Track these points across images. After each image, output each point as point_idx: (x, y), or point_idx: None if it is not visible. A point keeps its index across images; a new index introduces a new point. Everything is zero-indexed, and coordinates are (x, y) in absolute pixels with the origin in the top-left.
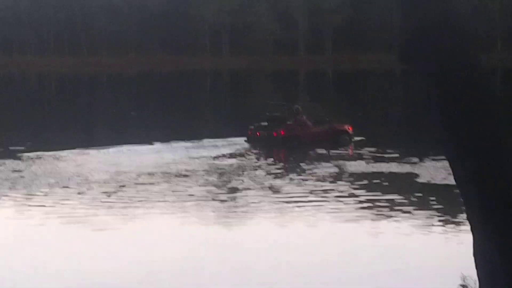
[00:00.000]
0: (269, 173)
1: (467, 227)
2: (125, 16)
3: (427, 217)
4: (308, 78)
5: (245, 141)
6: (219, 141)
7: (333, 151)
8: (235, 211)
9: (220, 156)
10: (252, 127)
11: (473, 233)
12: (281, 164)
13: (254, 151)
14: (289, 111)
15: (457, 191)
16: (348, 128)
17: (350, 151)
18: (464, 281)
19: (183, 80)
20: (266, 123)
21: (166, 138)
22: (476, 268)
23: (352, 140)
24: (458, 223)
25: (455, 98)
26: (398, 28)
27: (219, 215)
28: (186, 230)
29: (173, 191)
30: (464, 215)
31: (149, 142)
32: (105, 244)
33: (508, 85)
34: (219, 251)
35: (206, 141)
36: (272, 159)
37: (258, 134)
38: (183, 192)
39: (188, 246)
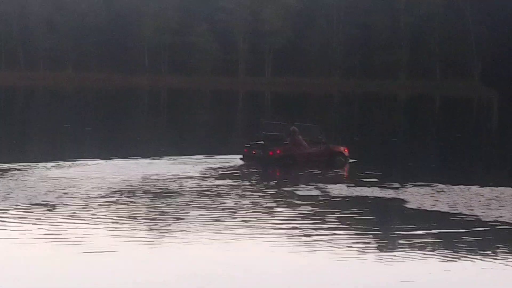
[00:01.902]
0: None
1: None
2: (64, 32)
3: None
4: (247, 99)
5: (240, 159)
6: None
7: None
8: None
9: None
10: (248, 145)
11: None
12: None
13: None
14: (285, 131)
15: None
16: (344, 150)
17: (345, 173)
18: None
19: (121, 98)
20: (262, 142)
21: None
22: None
23: (348, 162)
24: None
25: None
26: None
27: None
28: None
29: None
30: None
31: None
32: None
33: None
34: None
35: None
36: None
37: (254, 152)
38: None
39: None
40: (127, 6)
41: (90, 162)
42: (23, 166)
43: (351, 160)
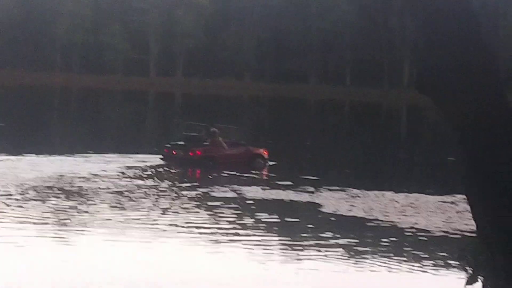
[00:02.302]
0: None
1: None
2: None
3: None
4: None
5: (160, 159)
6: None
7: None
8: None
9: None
10: (169, 145)
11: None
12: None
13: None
14: (206, 132)
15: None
16: (264, 152)
17: (264, 175)
18: None
19: (33, 95)
20: (182, 142)
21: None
22: None
23: (267, 164)
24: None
25: (484, 136)
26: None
27: None
28: None
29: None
30: None
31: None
32: None
33: None
34: None
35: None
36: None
37: (174, 152)
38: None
39: None
40: (41, 4)
41: (1, 157)
42: None
43: (270, 163)
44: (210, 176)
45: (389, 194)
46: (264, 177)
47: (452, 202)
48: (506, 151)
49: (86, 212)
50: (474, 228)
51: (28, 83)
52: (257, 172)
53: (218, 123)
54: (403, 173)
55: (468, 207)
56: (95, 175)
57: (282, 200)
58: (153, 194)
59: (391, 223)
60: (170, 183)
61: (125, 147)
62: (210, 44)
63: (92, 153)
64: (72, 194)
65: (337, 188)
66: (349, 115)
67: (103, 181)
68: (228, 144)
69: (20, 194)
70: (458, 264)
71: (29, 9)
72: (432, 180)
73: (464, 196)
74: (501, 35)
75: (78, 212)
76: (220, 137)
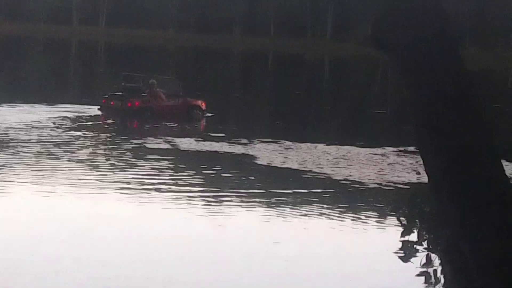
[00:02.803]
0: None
1: None
2: None
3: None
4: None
5: (98, 109)
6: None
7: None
8: None
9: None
10: (107, 96)
11: (444, 230)
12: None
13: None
14: (144, 83)
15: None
16: (202, 104)
17: (201, 126)
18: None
19: None
20: (120, 93)
21: None
22: (442, 264)
23: (205, 115)
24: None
25: (436, 96)
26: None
27: None
28: None
29: None
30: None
31: None
32: None
33: None
34: None
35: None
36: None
37: (112, 103)
38: None
39: None
40: None
41: None
42: None
43: (208, 114)
44: (149, 127)
45: (321, 146)
46: (203, 129)
47: (383, 155)
48: (458, 107)
49: (18, 163)
50: (406, 180)
51: None
52: (195, 123)
53: (156, 74)
54: (333, 125)
55: (399, 160)
56: (28, 125)
57: (217, 152)
58: (90, 145)
59: (326, 175)
60: (108, 134)
61: (56, 97)
62: None
63: (22, 103)
64: (3, 145)
65: (269, 140)
66: (273, 67)
67: (39, 131)
68: (166, 95)
69: None
70: (393, 215)
71: None
72: (362, 132)
73: (394, 149)
74: None
75: (14, 164)
76: (158, 88)
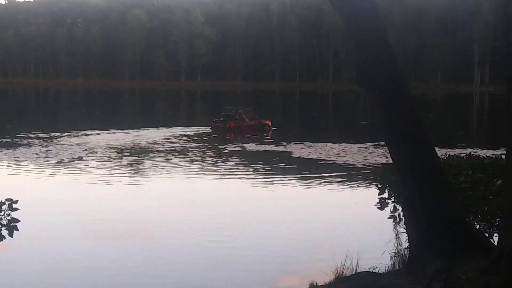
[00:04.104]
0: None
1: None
2: None
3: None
4: None
5: (210, 128)
6: None
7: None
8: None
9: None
10: (214, 120)
11: (403, 189)
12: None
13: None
14: (235, 112)
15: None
16: (269, 122)
17: (269, 135)
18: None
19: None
20: (222, 118)
21: None
22: (403, 210)
23: (271, 129)
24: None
25: (397, 118)
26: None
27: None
28: None
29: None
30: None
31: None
32: None
33: None
34: None
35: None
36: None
37: (218, 124)
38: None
39: None
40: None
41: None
42: None
43: (273, 128)
44: (238, 138)
45: (329, 144)
46: (269, 137)
47: (366, 148)
48: (403, 115)
49: (151, 162)
50: (381, 162)
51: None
52: (266, 134)
53: (243, 107)
54: (335, 132)
55: (375, 150)
56: (162, 140)
57: (268, 151)
58: (200, 149)
59: (333, 161)
60: (211, 143)
61: (184, 122)
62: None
63: (163, 126)
64: (143, 152)
65: (298, 142)
66: (299, 100)
67: (169, 144)
68: (249, 118)
69: (117, 153)
70: (373, 182)
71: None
72: (353, 135)
73: (373, 144)
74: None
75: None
76: (243, 115)
